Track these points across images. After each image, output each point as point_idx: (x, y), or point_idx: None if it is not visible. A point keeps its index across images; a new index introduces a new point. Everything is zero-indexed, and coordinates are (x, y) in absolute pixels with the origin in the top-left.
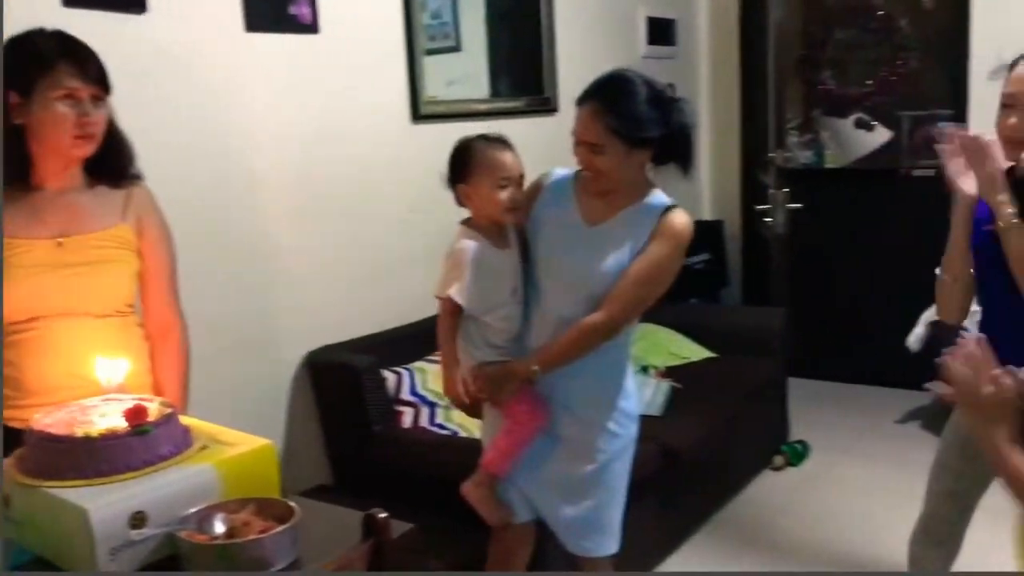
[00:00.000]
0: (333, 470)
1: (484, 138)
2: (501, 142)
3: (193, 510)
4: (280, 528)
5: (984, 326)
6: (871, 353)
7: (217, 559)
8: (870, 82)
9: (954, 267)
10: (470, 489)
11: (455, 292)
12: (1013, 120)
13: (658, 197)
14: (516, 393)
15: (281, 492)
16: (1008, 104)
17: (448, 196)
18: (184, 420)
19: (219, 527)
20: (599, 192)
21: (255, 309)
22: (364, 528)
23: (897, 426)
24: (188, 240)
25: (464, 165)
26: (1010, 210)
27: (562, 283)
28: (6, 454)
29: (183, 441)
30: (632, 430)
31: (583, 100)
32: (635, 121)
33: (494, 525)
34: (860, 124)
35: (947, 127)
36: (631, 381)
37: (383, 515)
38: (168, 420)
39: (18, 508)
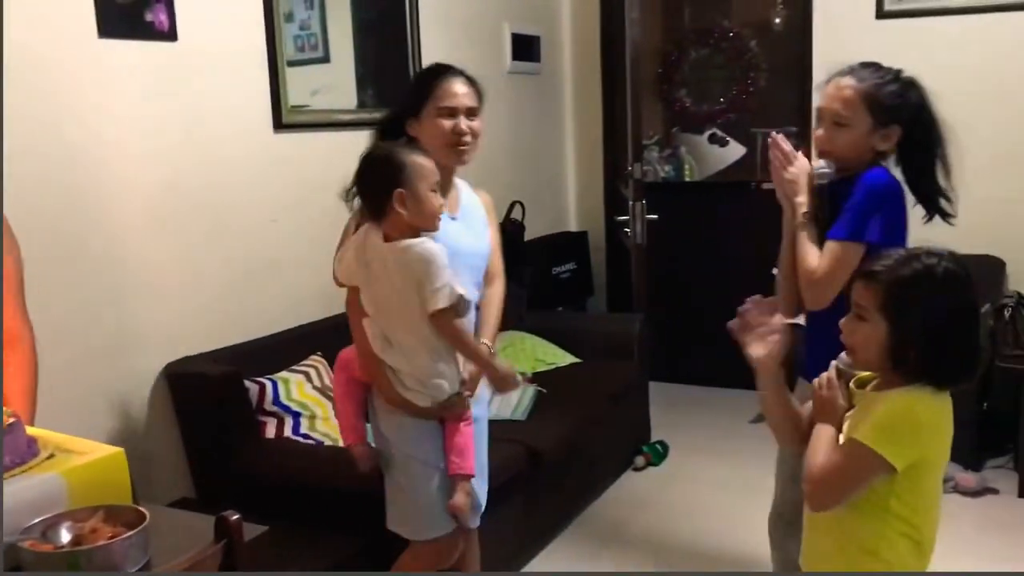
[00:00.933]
0: (195, 483)
1: (403, 146)
2: (420, 148)
3: (37, 520)
4: (129, 533)
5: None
6: (726, 357)
7: (63, 567)
8: (723, 100)
9: (785, 266)
10: (463, 500)
11: (461, 288)
12: (819, 132)
13: (462, 181)
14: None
15: (134, 500)
16: (819, 117)
17: (309, 205)
18: (30, 430)
19: (65, 536)
20: (451, 174)
21: (110, 319)
22: (216, 530)
23: (751, 425)
24: (39, 249)
25: (398, 172)
26: (804, 210)
27: (466, 271)
28: None
29: (27, 451)
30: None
31: (456, 73)
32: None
33: (469, 525)
34: (714, 140)
35: (773, 135)
36: None
37: (235, 517)
38: (11, 430)
39: None
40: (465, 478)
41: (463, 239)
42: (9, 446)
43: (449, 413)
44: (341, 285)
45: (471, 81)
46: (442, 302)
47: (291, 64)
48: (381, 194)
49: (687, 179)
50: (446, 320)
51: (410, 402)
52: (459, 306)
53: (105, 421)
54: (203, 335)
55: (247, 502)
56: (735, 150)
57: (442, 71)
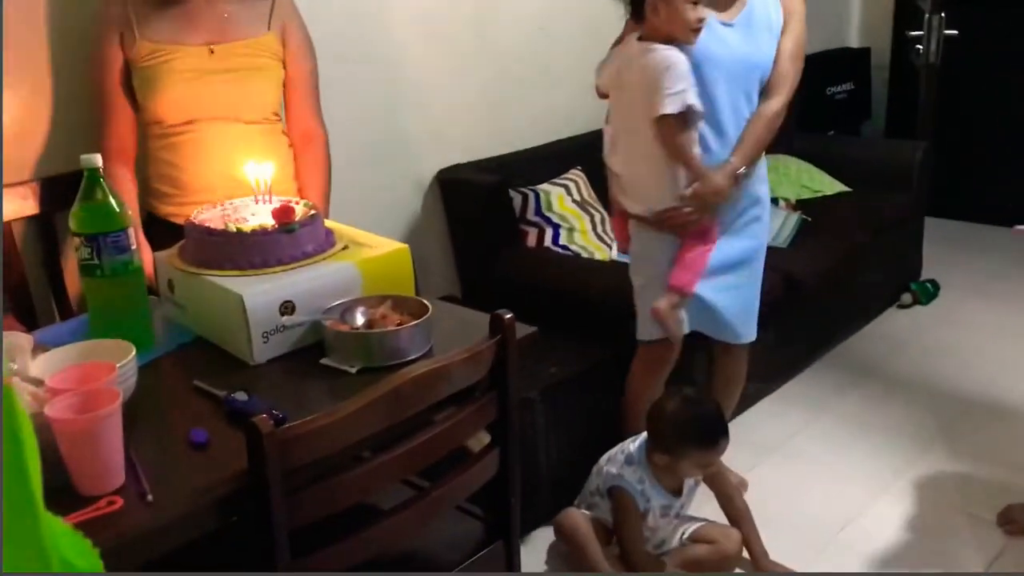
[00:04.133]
0: (462, 283)
1: None
2: None
3: (336, 303)
4: (415, 322)
5: None
6: (1018, 194)
7: (357, 346)
8: None
9: None
10: (666, 308)
11: (694, 99)
12: None
13: None
14: None
15: (416, 293)
16: None
17: (575, 14)
18: (326, 223)
19: (360, 319)
20: None
21: (389, 125)
22: (491, 326)
23: None
24: (328, 58)
25: None
26: None
27: (727, 81)
28: (167, 246)
29: (326, 241)
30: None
31: None
32: None
33: (677, 340)
34: None
35: None
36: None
37: (509, 316)
38: (312, 220)
39: (180, 293)
40: (676, 290)
41: (731, 47)
42: (310, 235)
43: (672, 226)
44: (602, 96)
45: None
46: (669, 107)
47: None
48: None
49: None
50: (668, 126)
51: (624, 208)
52: (686, 115)
53: (382, 221)
54: (471, 144)
55: (507, 304)
56: None
57: None
